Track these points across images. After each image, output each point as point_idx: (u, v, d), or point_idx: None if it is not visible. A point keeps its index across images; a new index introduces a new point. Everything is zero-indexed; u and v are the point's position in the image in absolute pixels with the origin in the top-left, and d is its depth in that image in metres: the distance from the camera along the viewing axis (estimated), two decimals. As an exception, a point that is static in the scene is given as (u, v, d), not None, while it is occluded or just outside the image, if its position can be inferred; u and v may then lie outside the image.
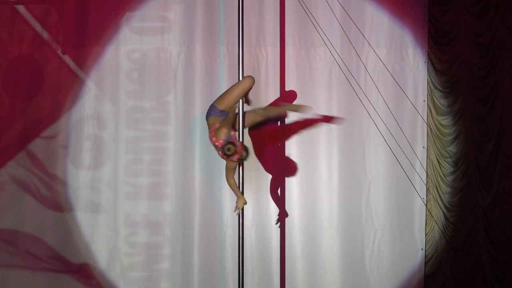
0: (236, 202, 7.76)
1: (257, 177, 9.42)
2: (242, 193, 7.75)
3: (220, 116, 7.58)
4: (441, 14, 9.53)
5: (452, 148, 9.53)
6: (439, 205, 9.55)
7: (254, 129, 9.03)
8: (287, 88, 9.45)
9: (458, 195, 9.53)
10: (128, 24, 9.52)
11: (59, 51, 9.45)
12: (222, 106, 7.59)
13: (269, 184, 9.47)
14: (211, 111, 7.64)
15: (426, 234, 9.56)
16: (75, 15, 9.45)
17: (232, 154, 7.29)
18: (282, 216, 9.39)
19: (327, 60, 9.50)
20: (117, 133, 9.50)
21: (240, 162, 7.63)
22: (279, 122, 9.43)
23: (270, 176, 9.48)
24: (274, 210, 9.51)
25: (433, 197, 9.55)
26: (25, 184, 9.43)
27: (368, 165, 9.56)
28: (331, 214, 9.55)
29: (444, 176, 9.54)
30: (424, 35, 9.53)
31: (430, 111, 9.54)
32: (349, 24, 9.44)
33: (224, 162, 7.63)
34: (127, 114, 9.51)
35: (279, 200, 9.45)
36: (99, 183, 9.49)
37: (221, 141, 7.36)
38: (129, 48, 9.52)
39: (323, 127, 9.50)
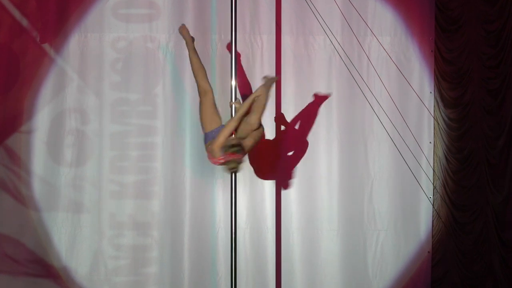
0: None
1: (251, 174, 9.36)
2: (235, 192, 7.64)
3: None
4: (449, -1, 9.52)
5: (460, 144, 9.48)
6: (446, 205, 9.51)
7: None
8: (283, 79, 9.39)
9: (467, 194, 9.49)
10: (113, 11, 9.47)
11: (38, 39, 9.39)
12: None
13: None
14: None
15: (433, 236, 9.55)
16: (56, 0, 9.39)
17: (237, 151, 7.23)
18: None
19: (327, 49, 9.47)
20: (101, 127, 9.43)
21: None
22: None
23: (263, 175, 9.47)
24: (269, 209, 9.46)
25: (441, 196, 9.52)
26: (2, 182, 9.33)
27: (371, 162, 9.53)
28: (331, 215, 9.51)
29: (452, 173, 9.50)
30: (431, 22, 9.51)
31: (437, 103, 9.53)
32: (350, 11, 9.39)
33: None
34: (112, 107, 9.44)
35: None
36: (82, 181, 9.42)
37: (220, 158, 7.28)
38: (114, 36, 9.48)
39: (322, 121, 9.47)
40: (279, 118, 9.35)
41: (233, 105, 7.45)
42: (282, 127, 9.37)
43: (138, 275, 9.43)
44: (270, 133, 9.34)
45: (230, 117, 7.51)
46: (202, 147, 9.00)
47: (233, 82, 7.46)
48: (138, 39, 9.47)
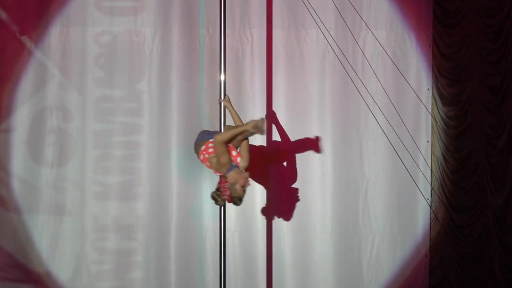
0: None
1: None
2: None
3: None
4: (448, -8, 9.45)
5: (459, 143, 9.47)
6: (445, 207, 9.48)
7: None
8: (274, 75, 9.37)
9: (467, 195, 9.47)
10: (96, 3, 9.41)
11: (17, 32, 9.34)
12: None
13: None
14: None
15: (430, 239, 9.53)
16: (36, -9, 9.31)
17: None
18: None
19: (320, 43, 9.46)
20: (84, 125, 9.43)
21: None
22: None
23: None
24: (260, 211, 9.39)
25: (439, 197, 9.48)
26: (-20, 183, 9.27)
27: (366, 162, 9.53)
28: (324, 217, 9.50)
29: (451, 173, 9.47)
30: (428, 15, 9.53)
31: (435, 101, 9.51)
32: (344, 3, 9.34)
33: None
34: (95, 104, 9.42)
35: None
36: (64, 182, 9.40)
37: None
38: (98, 30, 9.46)
39: (315, 119, 9.43)
40: (271, 115, 9.28)
41: (222, 103, 7.34)
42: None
43: (123, 280, 9.41)
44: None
45: (218, 115, 7.38)
46: (189, 146, 9.02)
47: (222, 78, 7.36)
48: (122, 33, 9.44)
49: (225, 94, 7.34)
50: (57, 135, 9.37)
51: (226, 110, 7.31)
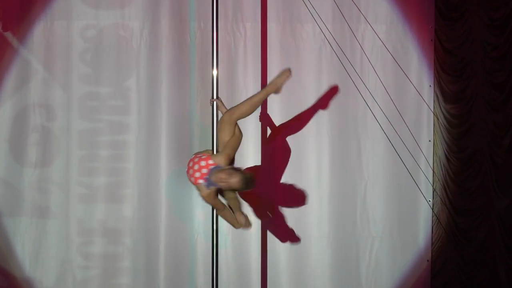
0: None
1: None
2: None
3: None
4: (451, -16, 9.42)
5: (463, 142, 9.44)
6: (447, 209, 9.45)
7: None
8: (268, 71, 9.32)
9: (470, 197, 9.43)
10: (81, -5, 9.42)
11: (0, 28, 9.30)
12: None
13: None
14: None
15: (432, 243, 9.51)
16: (18, -17, 9.29)
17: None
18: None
19: (316, 38, 9.42)
20: (69, 124, 9.35)
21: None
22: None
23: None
24: (253, 213, 9.27)
25: (441, 199, 9.45)
26: (-41, 184, 9.21)
27: (365, 162, 9.49)
28: (320, 220, 9.45)
29: (454, 174, 9.44)
30: (430, 8, 9.48)
31: (438, 98, 9.49)
32: (342, -5, 9.33)
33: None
34: (80, 102, 9.35)
35: None
36: (48, 183, 9.33)
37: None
38: (83, 24, 9.40)
39: (312, 118, 9.39)
40: (264, 117, 9.16)
41: (214, 103, 7.18)
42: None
43: (109, 286, 9.36)
44: (255, 133, 9.33)
45: (210, 115, 7.22)
46: (179, 146, 9.05)
47: (215, 74, 7.21)
48: (109, 27, 9.39)
49: (217, 91, 7.20)
50: (40, 134, 9.31)
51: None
